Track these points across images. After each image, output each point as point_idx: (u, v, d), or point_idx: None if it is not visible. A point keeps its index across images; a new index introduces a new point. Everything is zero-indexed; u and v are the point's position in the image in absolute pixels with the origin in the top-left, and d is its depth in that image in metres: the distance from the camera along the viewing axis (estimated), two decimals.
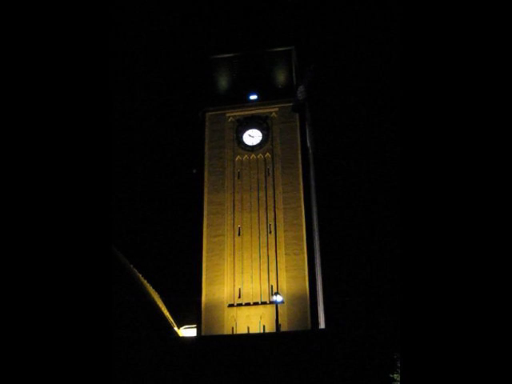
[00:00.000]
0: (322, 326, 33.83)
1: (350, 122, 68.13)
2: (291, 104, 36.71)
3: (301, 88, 36.46)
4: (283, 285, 32.52)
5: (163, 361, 25.61)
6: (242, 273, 33.31)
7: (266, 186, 35.48)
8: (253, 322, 31.90)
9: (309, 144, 38.40)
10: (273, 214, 34.55)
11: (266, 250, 33.67)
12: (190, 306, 33.92)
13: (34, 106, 9.07)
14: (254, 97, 37.99)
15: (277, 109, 37.23)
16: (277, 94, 37.71)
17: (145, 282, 34.79)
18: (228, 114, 37.72)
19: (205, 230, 34.73)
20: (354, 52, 68.24)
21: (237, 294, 32.91)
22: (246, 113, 37.46)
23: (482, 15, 9.18)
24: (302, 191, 34.78)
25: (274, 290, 31.87)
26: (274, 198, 34.93)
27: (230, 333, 31.65)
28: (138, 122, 73.31)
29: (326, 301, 36.45)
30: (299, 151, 35.97)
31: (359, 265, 50.92)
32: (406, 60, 9.51)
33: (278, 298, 30.03)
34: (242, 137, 36.89)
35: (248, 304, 32.56)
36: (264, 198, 35.14)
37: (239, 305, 32.63)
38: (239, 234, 34.44)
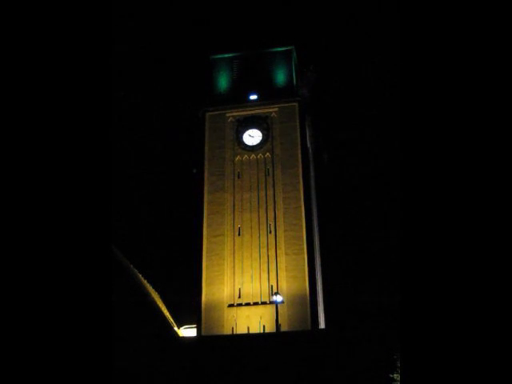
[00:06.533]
0: (322, 326, 33.83)
1: (350, 122, 68.07)
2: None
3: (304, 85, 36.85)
4: (283, 285, 32.52)
5: (163, 361, 25.61)
6: (242, 273, 33.31)
7: (266, 186, 35.48)
8: (253, 322, 31.90)
9: (309, 144, 38.42)
10: (273, 213, 34.54)
11: (266, 250, 33.67)
12: (190, 306, 33.93)
13: (34, 105, 9.07)
14: (254, 97, 37.99)
15: (277, 109, 37.22)
16: (277, 94, 37.73)
17: (145, 281, 34.78)
18: (228, 114, 37.72)
19: (205, 230, 34.75)
20: (354, 52, 68.28)
21: (237, 294, 32.91)
22: (246, 113, 37.46)
23: (482, 15, 9.18)
24: (302, 191, 34.79)
25: (274, 290, 31.87)
26: (274, 198, 34.93)
27: (230, 333, 31.66)
28: (138, 121, 73.27)
29: (325, 301, 36.44)
30: (299, 151, 35.97)
31: (359, 264, 50.88)
32: (406, 59, 9.51)
33: (278, 298, 30.04)
34: (242, 137, 36.89)
35: (248, 304, 32.56)
36: (264, 198, 35.14)
37: (239, 305, 32.63)
38: (239, 234, 34.44)
